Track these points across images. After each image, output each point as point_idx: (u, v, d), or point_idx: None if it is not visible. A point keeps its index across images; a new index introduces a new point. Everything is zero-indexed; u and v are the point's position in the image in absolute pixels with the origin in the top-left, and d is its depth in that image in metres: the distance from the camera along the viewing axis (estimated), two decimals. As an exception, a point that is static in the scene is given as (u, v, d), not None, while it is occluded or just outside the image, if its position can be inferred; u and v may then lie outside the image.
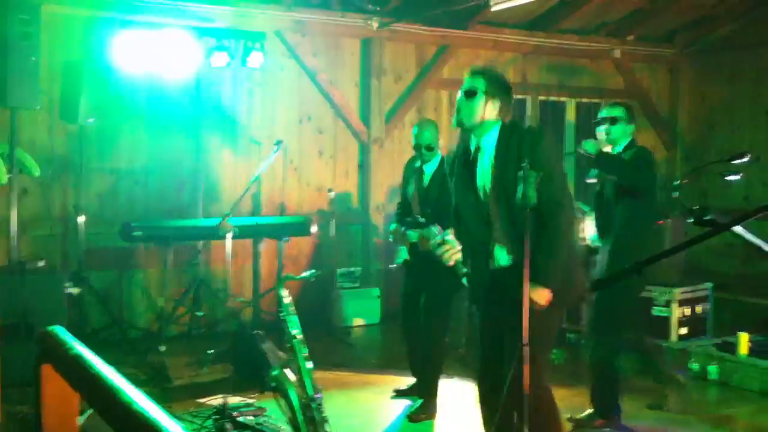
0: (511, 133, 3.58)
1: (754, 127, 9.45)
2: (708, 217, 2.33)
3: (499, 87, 3.62)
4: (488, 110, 3.58)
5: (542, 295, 3.49)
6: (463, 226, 3.76)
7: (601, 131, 4.97)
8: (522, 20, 8.92)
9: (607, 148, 4.92)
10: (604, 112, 5.02)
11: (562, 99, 9.73)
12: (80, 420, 2.91)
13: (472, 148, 3.67)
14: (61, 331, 2.63)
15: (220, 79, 7.57)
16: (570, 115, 9.81)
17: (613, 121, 4.94)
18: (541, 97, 9.52)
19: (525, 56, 9.25)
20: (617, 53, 9.63)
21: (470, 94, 3.59)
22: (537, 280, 3.44)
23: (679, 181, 5.42)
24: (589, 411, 5.00)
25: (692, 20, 9.66)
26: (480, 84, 3.59)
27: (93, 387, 2.31)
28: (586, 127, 9.87)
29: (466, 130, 3.66)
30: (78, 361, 2.42)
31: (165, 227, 6.61)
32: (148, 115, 7.29)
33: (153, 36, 6.83)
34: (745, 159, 5.09)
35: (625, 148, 4.94)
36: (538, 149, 3.46)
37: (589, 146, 4.83)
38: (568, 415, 4.92)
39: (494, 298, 3.68)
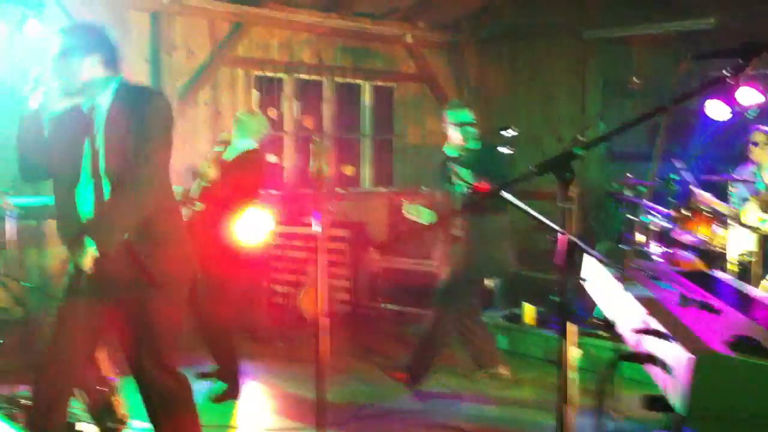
0: (126, 93, 3.32)
1: (531, 111, 10.09)
2: (479, 183, 2.48)
3: (93, 39, 3.32)
4: (89, 67, 3.27)
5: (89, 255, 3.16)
6: (64, 192, 3.33)
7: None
8: (317, 1, 8.94)
9: None
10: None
11: (358, 81, 9.88)
12: None
13: (85, 108, 3.32)
14: None
15: (-3, 49, 6.98)
16: (366, 97, 9.98)
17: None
18: (337, 79, 9.61)
19: (320, 37, 9.29)
20: (409, 38, 9.92)
21: (62, 55, 3.27)
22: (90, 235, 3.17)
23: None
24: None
25: (477, 9, 10.12)
26: (69, 42, 3.28)
27: None
28: (380, 109, 10.12)
29: (75, 94, 3.32)
30: None
31: None
32: None
33: None
34: (512, 133, 5.45)
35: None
36: (151, 112, 3.26)
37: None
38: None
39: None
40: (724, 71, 2.24)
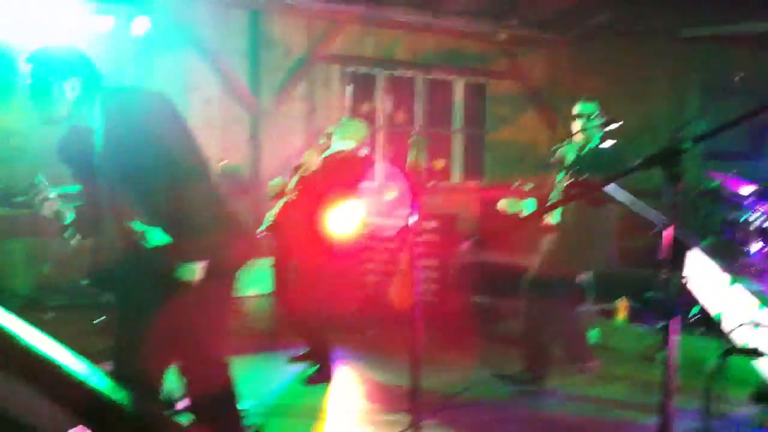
0: (111, 104, 3.16)
1: (626, 111, 9.88)
2: (582, 178, 2.46)
3: (68, 64, 3.18)
4: (69, 92, 3.15)
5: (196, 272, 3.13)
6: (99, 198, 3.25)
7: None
8: (411, -1, 9.04)
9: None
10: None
11: (450, 77, 9.92)
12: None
13: (83, 129, 3.22)
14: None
15: (105, 46, 7.30)
16: (458, 94, 10.02)
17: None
18: (430, 76, 9.67)
19: (414, 34, 9.37)
20: (502, 36, 9.90)
21: (40, 86, 3.13)
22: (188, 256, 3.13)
23: (556, 146, 5.64)
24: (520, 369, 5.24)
25: (571, 7, 10.01)
26: (47, 73, 3.13)
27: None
28: (472, 105, 10.14)
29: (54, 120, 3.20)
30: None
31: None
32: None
33: (35, 0, 6.55)
34: (617, 125, 5.39)
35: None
36: (120, 110, 3.14)
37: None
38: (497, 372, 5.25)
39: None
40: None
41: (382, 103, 9.39)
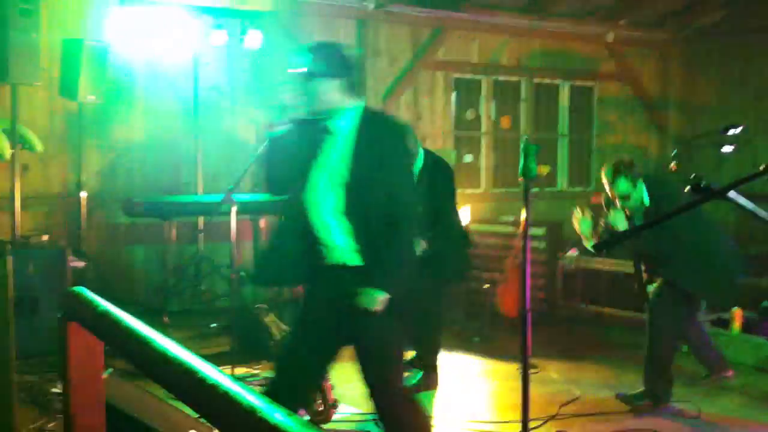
0: (373, 123, 3.27)
1: (742, 112, 9.57)
2: (704, 184, 2.37)
3: (337, 63, 3.24)
4: (331, 91, 3.21)
5: (376, 301, 3.14)
6: (293, 206, 3.35)
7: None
8: (516, 3, 9.00)
9: None
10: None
11: (556, 81, 9.82)
12: (105, 374, 2.99)
13: (324, 129, 3.28)
14: (84, 291, 2.70)
15: (219, 58, 7.60)
16: (563, 98, 9.91)
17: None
18: (536, 80, 9.60)
19: (519, 39, 9.33)
20: (610, 37, 9.73)
21: (306, 77, 3.23)
22: (375, 284, 3.15)
23: (676, 151, 5.49)
24: (639, 390, 5.11)
25: (683, 6, 9.76)
26: (313, 64, 3.22)
27: (125, 339, 2.39)
28: (579, 109, 10.01)
29: (313, 114, 3.29)
30: (107, 317, 2.50)
31: (167, 202, 6.65)
32: (146, 94, 7.31)
33: (151, 14, 6.86)
34: (738, 129, 5.17)
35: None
36: (399, 146, 3.30)
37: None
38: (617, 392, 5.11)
39: (326, 297, 3.31)
40: None
41: (487, 108, 9.38)
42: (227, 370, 5.04)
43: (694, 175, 2.41)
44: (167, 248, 6.64)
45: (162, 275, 6.58)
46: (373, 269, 3.18)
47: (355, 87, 3.29)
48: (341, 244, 3.23)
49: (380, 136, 3.24)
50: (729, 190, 2.35)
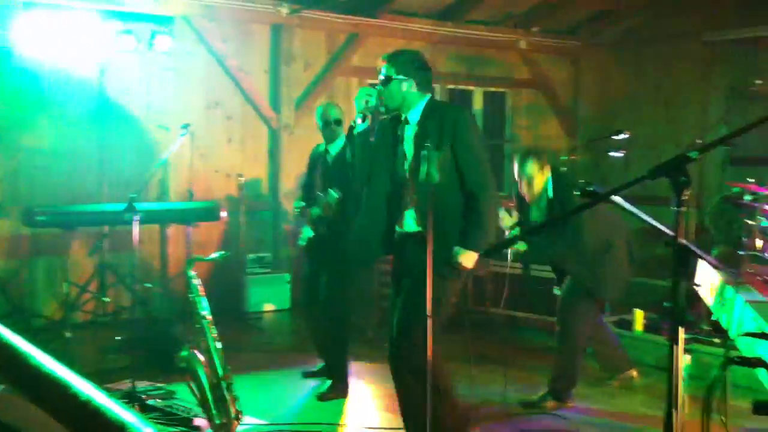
0: (433, 110, 3.94)
1: (652, 119, 9.85)
2: (590, 189, 2.46)
3: (410, 67, 3.94)
4: (406, 90, 3.90)
5: (470, 258, 3.83)
6: (374, 188, 4.04)
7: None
8: (431, 10, 9.06)
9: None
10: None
11: (470, 88, 9.92)
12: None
13: (402, 119, 3.99)
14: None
15: (127, 64, 7.44)
16: (477, 104, 10.02)
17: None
18: (450, 86, 9.69)
19: (434, 45, 9.40)
20: (523, 44, 9.89)
21: (385, 81, 3.92)
22: (465, 245, 3.83)
23: (565, 156, 5.64)
24: (543, 392, 5.20)
25: (594, 14, 9.98)
26: (390, 70, 3.92)
27: (11, 361, 2.29)
28: (492, 115, 10.13)
29: (393, 111, 4.00)
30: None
31: (69, 212, 6.46)
32: (51, 100, 7.10)
33: (57, 18, 6.68)
34: (625, 136, 5.34)
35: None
36: (459, 127, 3.87)
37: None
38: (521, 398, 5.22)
39: (397, 260, 4.08)
40: None
41: (403, 114, 9.42)
42: (127, 383, 4.93)
43: (584, 180, 2.47)
44: (70, 259, 6.45)
45: (65, 287, 6.38)
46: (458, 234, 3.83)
47: (426, 84, 3.96)
48: (410, 218, 3.94)
49: (439, 118, 3.88)
50: (613, 194, 2.43)
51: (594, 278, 5.13)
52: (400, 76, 3.91)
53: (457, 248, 3.83)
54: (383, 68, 3.96)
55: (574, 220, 4.88)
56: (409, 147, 3.96)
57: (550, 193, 5.09)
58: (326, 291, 5.27)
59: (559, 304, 5.26)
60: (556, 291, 5.44)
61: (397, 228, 4.02)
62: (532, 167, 5.07)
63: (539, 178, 5.08)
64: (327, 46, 8.76)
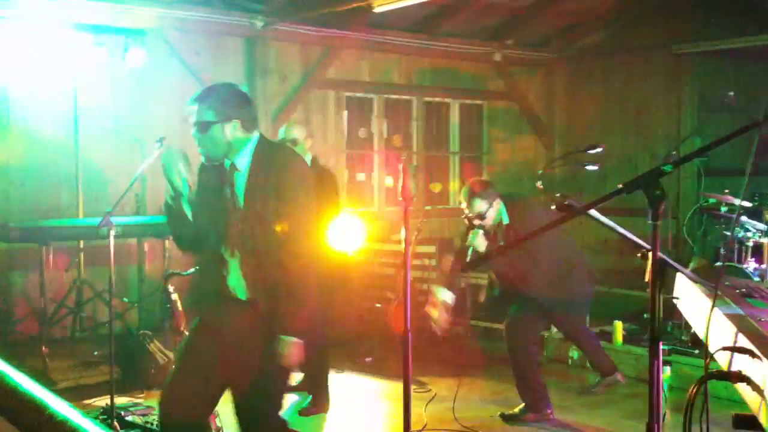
0: (263, 154, 3.26)
1: (624, 129, 9.94)
2: (566, 203, 2.45)
3: (230, 106, 3.24)
4: (230, 134, 3.21)
5: (291, 349, 3.19)
6: (204, 239, 3.33)
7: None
8: (406, 23, 9.08)
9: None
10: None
11: (447, 100, 9.96)
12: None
13: (227, 165, 3.27)
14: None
15: (101, 77, 7.36)
16: (454, 116, 10.06)
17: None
18: (426, 99, 9.72)
19: (409, 58, 9.42)
20: (497, 57, 9.94)
21: (204, 127, 3.22)
22: (283, 331, 3.16)
23: (541, 171, 5.67)
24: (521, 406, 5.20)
25: (566, 26, 10.07)
26: (208, 114, 3.22)
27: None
28: (468, 127, 10.17)
29: (217, 161, 3.29)
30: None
31: (44, 227, 6.36)
32: (24, 114, 7.01)
33: (28, 32, 6.61)
34: (599, 150, 5.38)
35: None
36: (285, 173, 3.22)
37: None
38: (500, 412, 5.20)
39: (215, 325, 3.32)
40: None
41: (379, 126, 9.42)
42: (106, 399, 4.85)
43: (560, 194, 2.47)
44: (46, 274, 6.35)
45: (41, 302, 6.28)
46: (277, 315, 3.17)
47: (252, 122, 3.28)
48: (235, 280, 3.24)
49: (269, 167, 3.22)
50: (590, 208, 2.43)
51: (558, 298, 5.16)
52: (221, 119, 3.20)
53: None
54: (197, 112, 3.23)
55: (534, 243, 4.88)
56: (241, 196, 3.22)
57: (506, 220, 5.11)
58: None
59: (510, 324, 5.26)
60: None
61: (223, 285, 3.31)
62: (479, 204, 5.04)
63: (491, 213, 5.07)
64: (302, 58, 8.74)
